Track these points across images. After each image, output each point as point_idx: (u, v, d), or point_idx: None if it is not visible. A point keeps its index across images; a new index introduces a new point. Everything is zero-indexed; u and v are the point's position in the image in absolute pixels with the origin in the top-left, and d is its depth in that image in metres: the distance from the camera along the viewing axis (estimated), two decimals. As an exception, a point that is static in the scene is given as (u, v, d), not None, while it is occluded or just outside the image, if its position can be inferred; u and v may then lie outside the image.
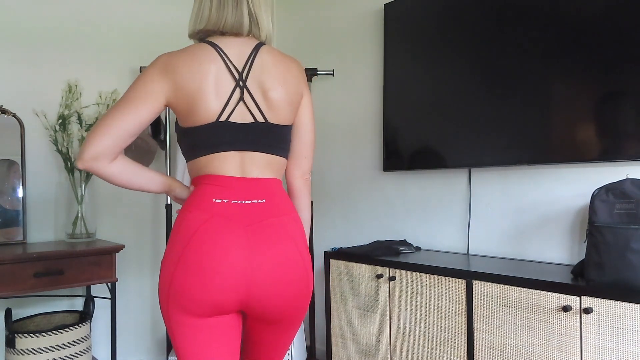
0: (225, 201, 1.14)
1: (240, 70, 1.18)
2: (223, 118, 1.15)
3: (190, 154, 1.20)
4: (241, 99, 1.17)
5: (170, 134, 2.71)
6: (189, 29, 1.26)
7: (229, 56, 1.18)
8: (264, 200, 1.17)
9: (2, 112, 2.36)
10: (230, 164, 1.17)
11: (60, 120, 2.46)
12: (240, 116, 1.17)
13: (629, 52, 1.79)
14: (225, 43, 1.19)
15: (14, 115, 2.39)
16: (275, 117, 1.20)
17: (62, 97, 2.54)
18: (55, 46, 2.55)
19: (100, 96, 2.67)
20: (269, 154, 1.21)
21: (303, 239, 1.21)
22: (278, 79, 1.20)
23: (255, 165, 1.19)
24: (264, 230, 1.14)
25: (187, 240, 1.11)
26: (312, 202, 2.95)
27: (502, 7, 2.13)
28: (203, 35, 1.24)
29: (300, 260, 1.18)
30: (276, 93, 1.19)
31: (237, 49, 1.19)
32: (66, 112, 2.49)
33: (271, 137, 1.20)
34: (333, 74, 2.94)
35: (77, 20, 2.62)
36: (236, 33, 1.20)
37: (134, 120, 1.13)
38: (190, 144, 1.19)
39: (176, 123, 1.25)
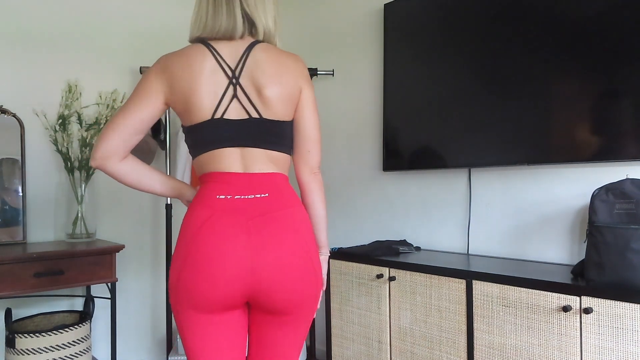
0: (229, 197, 1.17)
1: (233, 67, 1.20)
2: (218, 115, 1.18)
3: (194, 152, 1.24)
4: (235, 96, 1.19)
5: (170, 134, 2.71)
6: (190, 34, 1.28)
7: (221, 55, 1.20)
8: (267, 195, 1.19)
9: (2, 112, 2.36)
10: (231, 160, 1.20)
11: (60, 120, 2.46)
12: (235, 113, 1.19)
13: (629, 52, 1.79)
14: (218, 43, 1.23)
15: (14, 115, 2.39)
16: (270, 113, 1.21)
17: (62, 97, 2.54)
18: (55, 46, 2.55)
19: (100, 96, 2.67)
20: (268, 150, 1.22)
21: (307, 231, 1.22)
22: (272, 76, 1.20)
23: (256, 160, 1.21)
24: (266, 223, 1.16)
25: (192, 238, 1.14)
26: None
27: (502, 7, 2.13)
28: (201, 41, 1.26)
29: (303, 250, 1.19)
30: (270, 90, 1.19)
31: (231, 48, 1.22)
32: (66, 112, 2.49)
33: (268, 133, 1.21)
34: (333, 74, 2.93)
35: (77, 20, 2.62)
36: (229, 37, 1.23)
37: (137, 118, 1.20)
38: (192, 142, 1.23)
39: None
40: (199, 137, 1.21)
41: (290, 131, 1.27)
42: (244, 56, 1.21)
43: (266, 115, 1.20)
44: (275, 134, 1.22)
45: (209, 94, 1.17)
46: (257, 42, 1.24)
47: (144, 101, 1.20)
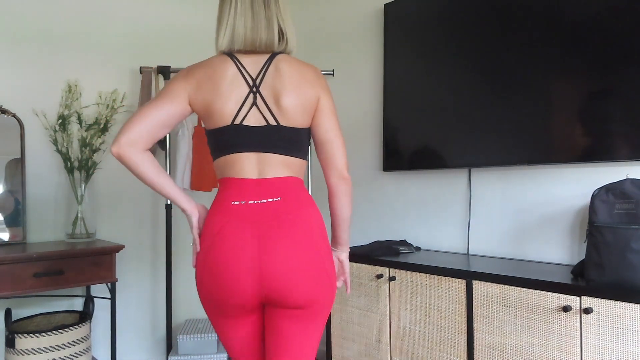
0: (243, 202, 1.23)
1: (254, 77, 1.26)
2: (237, 121, 1.24)
3: (214, 154, 1.31)
4: (254, 103, 1.25)
5: (170, 134, 2.71)
6: (221, 45, 1.29)
7: (243, 64, 1.27)
8: (279, 198, 1.24)
9: (2, 112, 2.36)
10: (247, 164, 1.26)
11: (60, 120, 2.46)
12: (254, 120, 1.25)
13: (629, 52, 1.79)
14: (241, 53, 1.28)
15: (14, 115, 2.39)
16: (287, 121, 1.26)
17: (62, 97, 2.54)
18: (55, 46, 2.55)
19: (100, 96, 2.67)
20: (283, 155, 1.27)
21: (320, 232, 1.26)
22: (291, 86, 1.25)
23: (271, 165, 1.26)
24: (277, 227, 1.21)
25: (210, 245, 1.22)
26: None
27: (502, 7, 2.13)
28: (226, 52, 1.29)
29: (316, 251, 1.23)
30: (288, 99, 1.25)
31: (253, 58, 1.28)
32: (66, 112, 2.49)
33: (284, 139, 1.27)
34: (333, 74, 2.93)
35: (77, 20, 2.62)
36: (264, 51, 1.28)
37: (164, 113, 1.23)
38: (212, 145, 1.30)
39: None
40: (218, 141, 1.27)
41: (307, 137, 1.32)
42: (265, 66, 1.27)
43: (283, 122, 1.26)
44: (291, 141, 1.28)
45: (229, 101, 1.23)
46: (277, 53, 1.29)
47: (171, 100, 1.24)
